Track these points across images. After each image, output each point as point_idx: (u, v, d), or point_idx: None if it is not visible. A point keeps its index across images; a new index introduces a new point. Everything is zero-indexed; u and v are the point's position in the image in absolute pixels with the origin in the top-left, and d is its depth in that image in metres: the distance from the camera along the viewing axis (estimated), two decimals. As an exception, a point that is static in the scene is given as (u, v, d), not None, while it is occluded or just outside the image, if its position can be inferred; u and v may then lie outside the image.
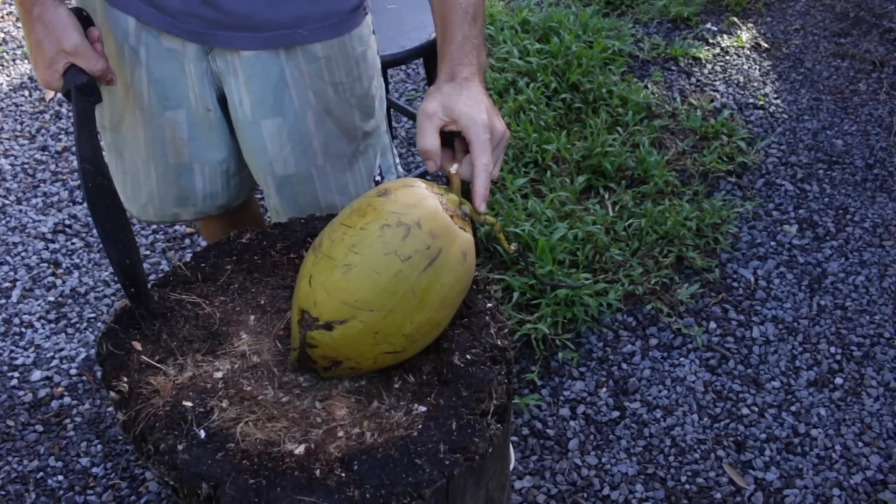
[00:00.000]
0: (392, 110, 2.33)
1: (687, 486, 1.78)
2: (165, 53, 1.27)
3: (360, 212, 0.98)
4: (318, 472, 0.91)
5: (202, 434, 0.95)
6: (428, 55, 1.79)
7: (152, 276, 2.26)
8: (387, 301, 0.95)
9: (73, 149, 2.69)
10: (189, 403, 0.98)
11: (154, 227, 2.41)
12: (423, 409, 0.99)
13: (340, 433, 0.97)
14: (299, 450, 0.94)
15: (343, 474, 0.91)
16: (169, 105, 1.32)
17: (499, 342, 1.06)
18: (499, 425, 0.99)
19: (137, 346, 1.06)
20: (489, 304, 1.11)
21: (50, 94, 2.93)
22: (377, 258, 0.94)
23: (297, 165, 1.36)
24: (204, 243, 2.33)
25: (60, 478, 1.80)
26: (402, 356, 1.01)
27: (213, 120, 1.35)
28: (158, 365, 1.04)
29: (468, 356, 1.04)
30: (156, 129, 1.35)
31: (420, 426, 0.96)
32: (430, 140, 1.06)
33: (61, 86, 1.16)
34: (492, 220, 1.07)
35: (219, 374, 1.03)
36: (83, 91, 1.15)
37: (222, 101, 1.35)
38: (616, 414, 1.92)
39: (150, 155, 1.39)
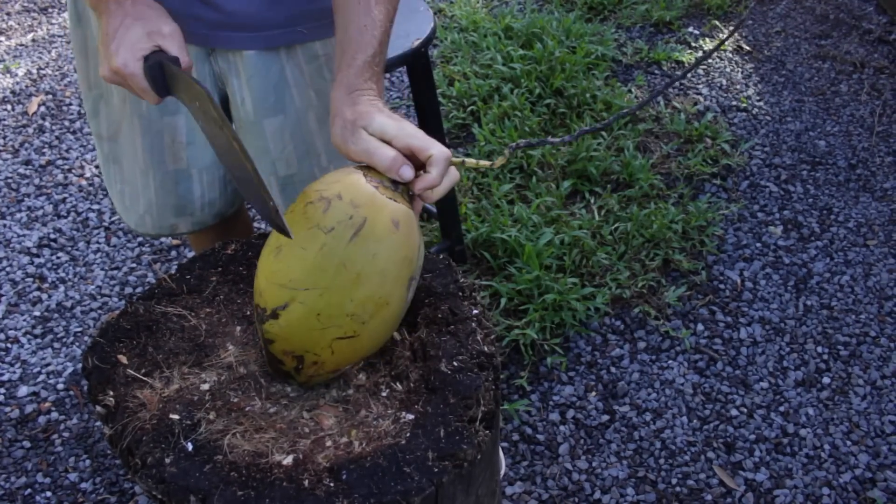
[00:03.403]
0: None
1: (678, 489, 1.78)
2: None
3: (295, 199, 1.00)
4: (306, 483, 0.91)
5: (189, 447, 0.95)
6: (412, 63, 1.80)
7: (139, 289, 2.25)
8: (319, 278, 0.94)
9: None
10: (176, 416, 0.98)
11: (140, 238, 2.40)
12: (410, 416, 0.99)
13: (328, 443, 0.97)
14: (287, 460, 0.94)
15: (332, 484, 0.91)
16: (167, 111, 1.33)
17: (485, 348, 1.06)
18: (487, 432, 0.99)
19: (123, 359, 1.06)
20: (475, 311, 1.11)
21: (33, 109, 2.92)
22: (301, 234, 0.95)
23: (299, 165, 1.36)
24: (190, 255, 2.32)
25: (49, 494, 1.79)
26: (359, 343, 0.99)
27: None
28: (145, 378, 1.03)
29: (455, 363, 1.04)
30: (154, 136, 1.35)
31: (408, 434, 0.96)
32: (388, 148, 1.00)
33: (139, 68, 1.09)
34: (459, 161, 1.05)
35: (205, 386, 1.03)
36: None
37: (223, 103, 1.35)
38: (606, 418, 1.92)
39: (148, 164, 1.39)
